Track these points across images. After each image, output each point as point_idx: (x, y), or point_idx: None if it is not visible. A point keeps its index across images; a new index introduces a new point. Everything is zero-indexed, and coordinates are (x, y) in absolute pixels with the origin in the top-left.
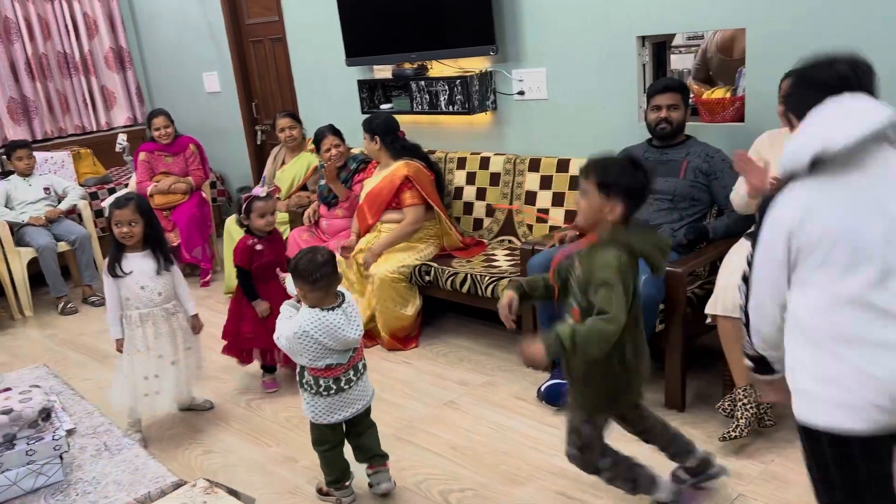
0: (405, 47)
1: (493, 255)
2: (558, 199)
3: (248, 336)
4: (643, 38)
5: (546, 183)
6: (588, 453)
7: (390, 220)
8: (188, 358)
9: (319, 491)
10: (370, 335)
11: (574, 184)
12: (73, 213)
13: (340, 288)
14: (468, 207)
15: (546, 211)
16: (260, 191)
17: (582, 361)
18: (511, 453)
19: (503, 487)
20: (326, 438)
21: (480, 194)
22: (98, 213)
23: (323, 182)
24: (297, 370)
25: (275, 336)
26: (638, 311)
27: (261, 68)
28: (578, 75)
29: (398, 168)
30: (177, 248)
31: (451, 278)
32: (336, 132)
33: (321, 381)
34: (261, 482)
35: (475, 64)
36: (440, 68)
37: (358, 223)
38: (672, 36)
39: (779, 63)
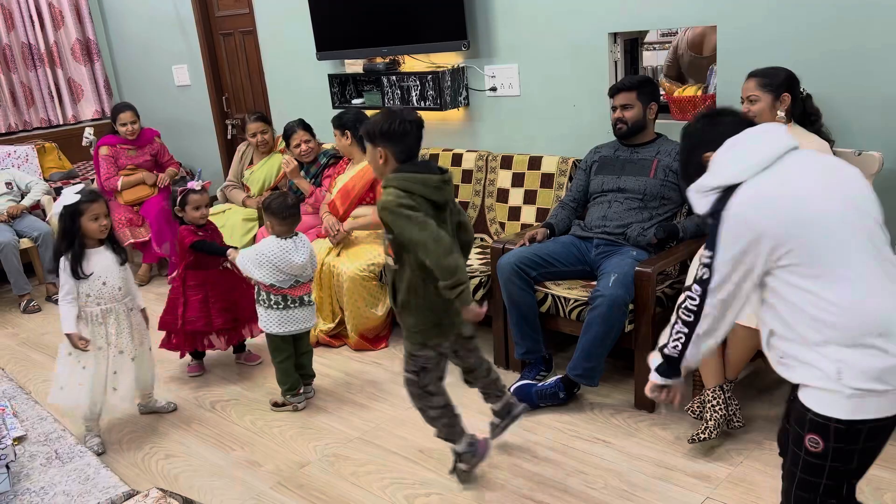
0: (376, 41)
1: None
2: (530, 197)
3: (192, 319)
4: (615, 35)
5: (518, 181)
6: (423, 376)
7: (362, 216)
8: (144, 354)
9: (275, 404)
10: (338, 335)
11: (546, 181)
12: (37, 209)
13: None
14: None
15: None
16: (195, 184)
17: (404, 292)
18: None
19: (470, 491)
20: (280, 348)
21: (453, 191)
22: None
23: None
24: (255, 290)
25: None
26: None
27: (231, 61)
28: (550, 72)
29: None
30: (147, 243)
31: None
32: (306, 127)
33: (271, 297)
34: (223, 487)
35: (447, 59)
36: (412, 63)
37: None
38: (644, 32)
39: (750, 61)
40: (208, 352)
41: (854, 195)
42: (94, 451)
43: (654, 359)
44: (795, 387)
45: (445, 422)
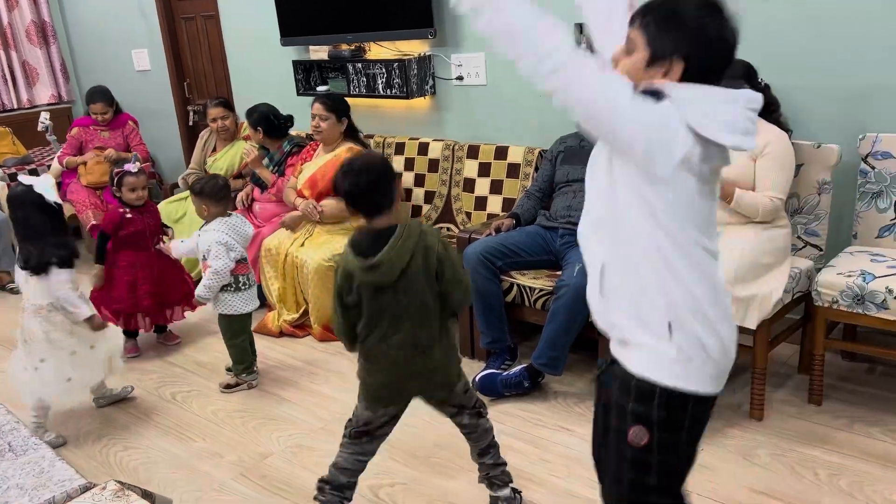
0: (342, 28)
1: None
2: (496, 187)
3: (118, 298)
4: (580, 26)
5: (484, 170)
6: (350, 427)
7: (331, 206)
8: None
9: (227, 386)
10: (302, 326)
11: (512, 171)
12: None
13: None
14: (406, 194)
15: None
16: (131, 167)
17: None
18: (443, 445)
19: (434, 480)
20: (243, 328)
21: (419, 181)
22: None
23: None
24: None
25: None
26: (383, 315)
27: (193, 46)
28: None
29: (342, 153)
30: None
31: None
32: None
33: (240, 278)
34: (184, 480)
35: (413, 47)
36: (378, 51)
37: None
38: None
39: None
40: (167, 344)
41: None
42: (52, 444)
43: None
44: None
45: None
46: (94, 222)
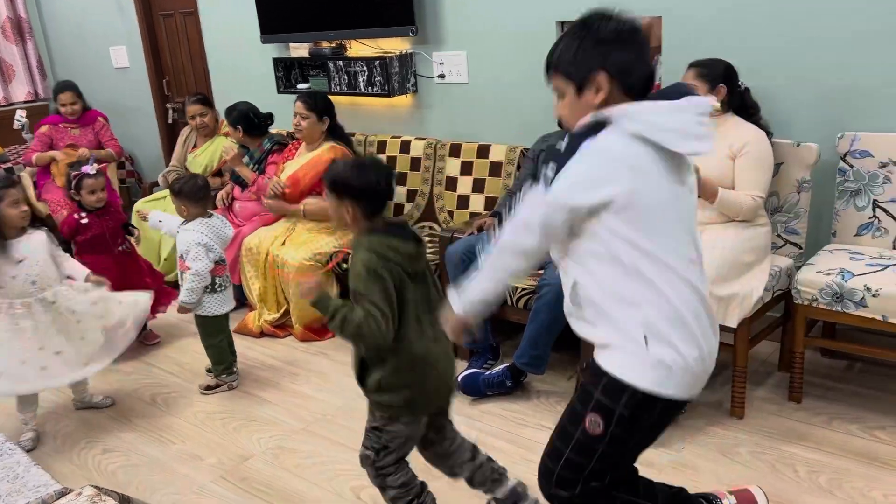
0: (323, 25)
1: None
2: (479, 186)
3: None
4: (562, 24)
5: (467, 169)
6: (384, 457)
7: (314, 205)
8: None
9: (208, 388)
10: (283, 325)
11: (494, 170)
12: None
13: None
14: None
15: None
16: (90, 169)
17: (375, 367)
18: None
19: None
20: (221, 328)
21: (401, 179)
22: None
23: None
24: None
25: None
26: (418, 309)
27: (172, 43)
28: (499, 60)
29: (324, 152)
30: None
31: None
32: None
33: (217, 280)
34: (163, 482)
35: (395, 45)
36: (359, 48)
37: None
38: None
39: (694, 53)
40: (147, 344)
41: None
42: (25, 448)
43: None
44: None
45: None
46: None
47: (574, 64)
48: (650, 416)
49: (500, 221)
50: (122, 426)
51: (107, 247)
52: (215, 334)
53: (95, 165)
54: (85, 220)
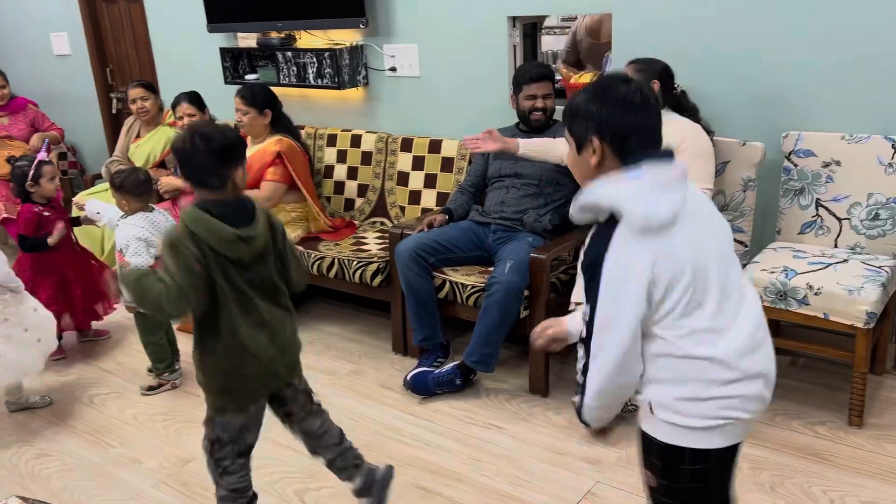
0: (271, 15)
1: (364, 237)
2: (430, 181)
3: (51, 299)
4: (514, 19)
5: (418, 164)
6: (220, 449)
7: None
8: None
9: (150, 388)
10: None
11: (446, 165)
12: None
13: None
14: (339, 187)
15: None
16: (44, 155)
17: (196, 348)
18: (372, 446)
19: None
20: (159, 325)
21: (352, 173)
22: None
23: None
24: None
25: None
26: (246, 295)
27: (115, 31)
28: (450, 54)
29: (269, 144)
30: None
31: (317, 262)
32: (194, 100)
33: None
34: (100, 487)
35: (345, 36)
36: (309, 39)
37: None
38: (544, 17)
39: (643, 50)
40: (97, 340)
41: None
42: None
43: None
44: None
45: None
46: (5, 215)
47: (575, 123)
48: (707, 463)
49: (450, 218)
50: (58, 429)
51: (67, 240)
52: (154, 331)
53: (47, 154)
54: (47, 213)
